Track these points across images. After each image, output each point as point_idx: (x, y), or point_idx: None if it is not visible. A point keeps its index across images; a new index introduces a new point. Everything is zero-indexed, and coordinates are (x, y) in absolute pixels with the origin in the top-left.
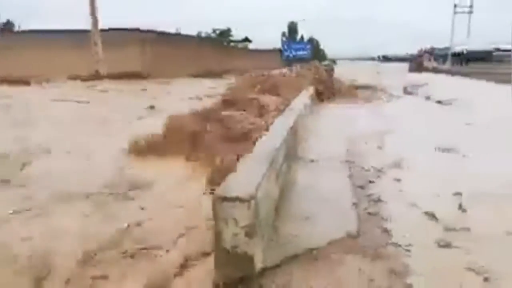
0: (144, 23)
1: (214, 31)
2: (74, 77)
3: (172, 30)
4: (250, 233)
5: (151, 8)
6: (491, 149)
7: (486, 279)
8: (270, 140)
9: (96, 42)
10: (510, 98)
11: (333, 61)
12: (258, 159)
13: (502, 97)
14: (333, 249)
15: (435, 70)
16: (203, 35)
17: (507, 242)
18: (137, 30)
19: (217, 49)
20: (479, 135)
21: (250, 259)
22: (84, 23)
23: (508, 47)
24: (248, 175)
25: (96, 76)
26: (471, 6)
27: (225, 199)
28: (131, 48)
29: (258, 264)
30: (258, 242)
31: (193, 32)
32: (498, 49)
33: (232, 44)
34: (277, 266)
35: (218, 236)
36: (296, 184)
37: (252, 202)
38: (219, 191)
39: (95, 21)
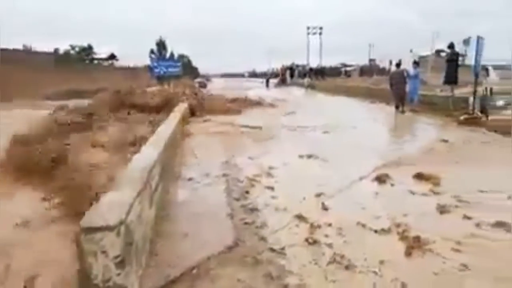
0: None
1: (73, 47)
2: None
3: (19, 46)
4: (122, 263)
5: None
6: (344, 153)
7: (346, 267)
8: (143, 161)
9: None
10: (360, 106)
11: (207, 79)
12: (129, 181)
13: (354, 106)
14: (213, 264)
15: (298, 84)
16: (61, 52)
17: (359, 232)
18: None
19: (78, 67)
20: (335, 142)
21: None
22: None
23: (352, 63)
24: (116, 199)
25: None
26: (321, 28)
27: (90, 230)
28: None
29: None
30: (133, 270)
31: (47, 48)
32: (345, 65)
33: (95, 62)
34: None
35: (85, 272)
36: (174, 203)
37: (122, 228)
38: (83, 222)
39: None
